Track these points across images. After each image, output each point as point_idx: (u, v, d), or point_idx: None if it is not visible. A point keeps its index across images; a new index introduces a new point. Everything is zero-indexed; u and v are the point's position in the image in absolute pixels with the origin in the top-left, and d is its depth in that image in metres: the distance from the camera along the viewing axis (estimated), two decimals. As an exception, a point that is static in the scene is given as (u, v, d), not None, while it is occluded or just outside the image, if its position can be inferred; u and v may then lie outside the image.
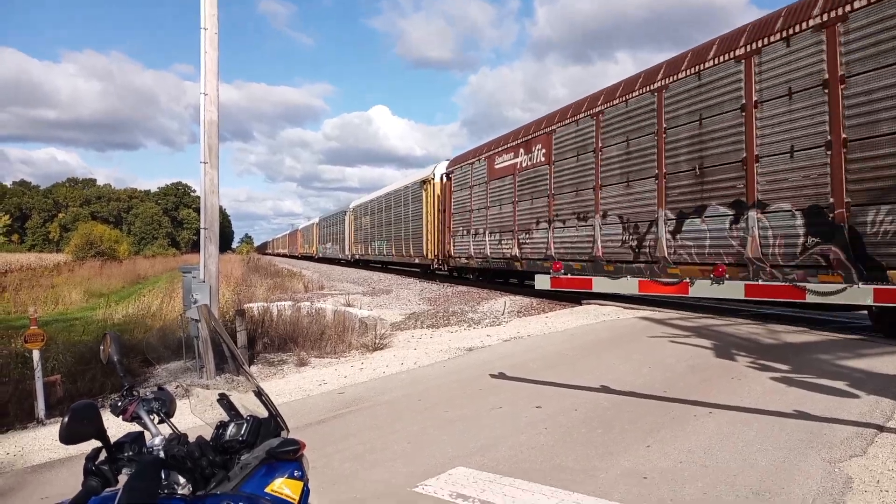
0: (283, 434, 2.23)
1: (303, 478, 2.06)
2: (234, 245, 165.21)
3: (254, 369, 9.16)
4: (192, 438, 2.07)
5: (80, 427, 1.72)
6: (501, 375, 7.60)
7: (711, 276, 5.03)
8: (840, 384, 6.44)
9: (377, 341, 10.76)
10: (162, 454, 1.86)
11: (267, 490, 1.94)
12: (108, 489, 1.73)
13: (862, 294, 4.27)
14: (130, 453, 1.83)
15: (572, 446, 4.99)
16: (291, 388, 7.60)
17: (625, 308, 13.40)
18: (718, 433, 5.13)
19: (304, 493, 2.05)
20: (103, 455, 1.81)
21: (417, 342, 10.97)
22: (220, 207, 9.90)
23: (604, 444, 4.99)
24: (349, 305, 16.57)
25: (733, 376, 7.02)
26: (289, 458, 2.01)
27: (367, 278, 31.64)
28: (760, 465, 4.40)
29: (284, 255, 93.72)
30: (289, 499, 1.98)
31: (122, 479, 1.73)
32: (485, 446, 5.07)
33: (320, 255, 62.10)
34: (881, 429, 5.02)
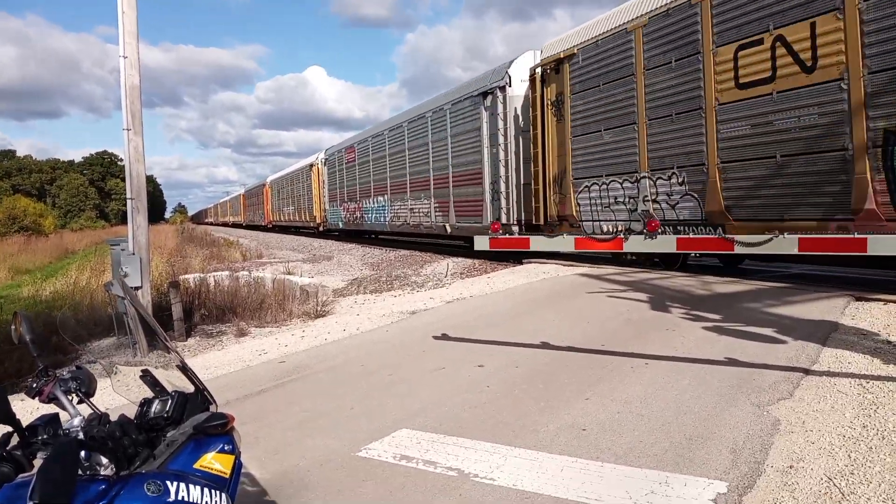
0: (212, 408, 2.15)
1: (234, 451, 2.00)
2: (168, 215, 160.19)
3: (191, 342, 8.94)
4: (116, 417, 1.98)
5: None
6: (444, 337, 7.63)
7: (645, 230, 5.12)
8: (769, 331, 6.72)
9: (319, 308, 10.64)
10: (81, 435, 1.77)
11: (196, 466, 1.87)
12: (21, 475, 1.64)
13: (788, 244, 4.42)
14: (45, 436, 1.73)
15: (514, 403, 5.06)
16: (231, 359, 7.45)
17: (564, 266, 13.61)
18: (654, 383, 5.28)
19: (236, 467, 2.00)
20: (15, 440, 1.71)
21: (360, 308, 10.90)
22: (151, 177, 9.52)
23: (544, 399, 5.07)
24: (289, 273, 16.31)
25: (668, 328, 7.24)
26: (217, 432, 1.95)
27: (308, 245, 31.22)
28: (693, 412, 4.56)
29: (238, 226, 74.24)
30: (220, 473, 1.92)
31: (38, 463, 1.63)
32: (428, 407, 5.08)
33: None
34: (807, 372, 5.26)
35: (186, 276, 14.54)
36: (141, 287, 8.63)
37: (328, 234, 35.78)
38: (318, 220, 36.08)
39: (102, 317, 9.54)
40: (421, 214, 20.82)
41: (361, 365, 6.65)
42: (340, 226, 31.52)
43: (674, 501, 3.30)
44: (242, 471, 2.22)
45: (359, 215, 27.99)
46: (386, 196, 24.28)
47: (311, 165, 37.18)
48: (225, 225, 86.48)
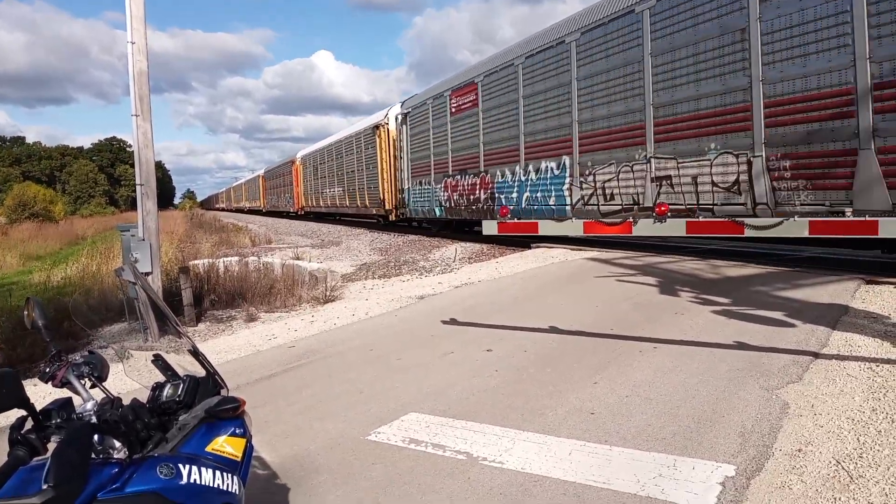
0: (223, 392, 2.18)
1: (245, 435, 2.03)
2: (177, 201, 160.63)
3: (202, 327, 9.00)
4: (129, 402, 2.00)
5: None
6: (453, 321, 7.65)
7: (654, 214, 5.10)
8: (778, 314, 6.70)
9: (328, 293, 10.68)
10: (94, 419, 1.79)
11: (208, 449, 1.90)
12: (36, 458, 1.66)
13: (798, 227, 4.39)
14: (58, 420, 1.76)
15: (522, 387, 5.07)
16: (241, 343, 7.50)
17: (573, 250, 13.59)
18: (662, 367, 5.28)
19: (248, 450, 2.02)
20: (29, 424, 1.73)
21: (369, 293, 10.93)
22: (160, 163, 9.56)
23: (553, 383, 5.08)
24: (298, 259, 16.36)
25: (677, 311, 7.23)
26: (229, 415, 1.97)
27: (316, 231, 31.27)
28: (702, 396, 4.56)
29: (256, 213, 65.57)
30: (231, 456, 1.94)
31: (52, 447, 1.65)
32: (437, 391, 5.11)
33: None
34: (816, 356, 5.25)
35: (196, 261, 14.61)
36: (151, 272, 8.67)
37: (408, 226, 24.90)
38: (387, 206, 24.50)
39: (113, 302, 9.61)
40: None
41: (370, 349, 6.68)
42: (438, 213, 19.94)
43: (682, 485, 3.32)
44: (253, 454, 2.24)
45: (485, 194, 16.74)
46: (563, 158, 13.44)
47: (377, 126, 25.25)
48: (239, 211, 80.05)
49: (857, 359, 5.11)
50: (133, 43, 8.74)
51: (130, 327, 8.62)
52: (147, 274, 8.66)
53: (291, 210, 45.75)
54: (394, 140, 23.72)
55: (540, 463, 3.67)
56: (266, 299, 10.44)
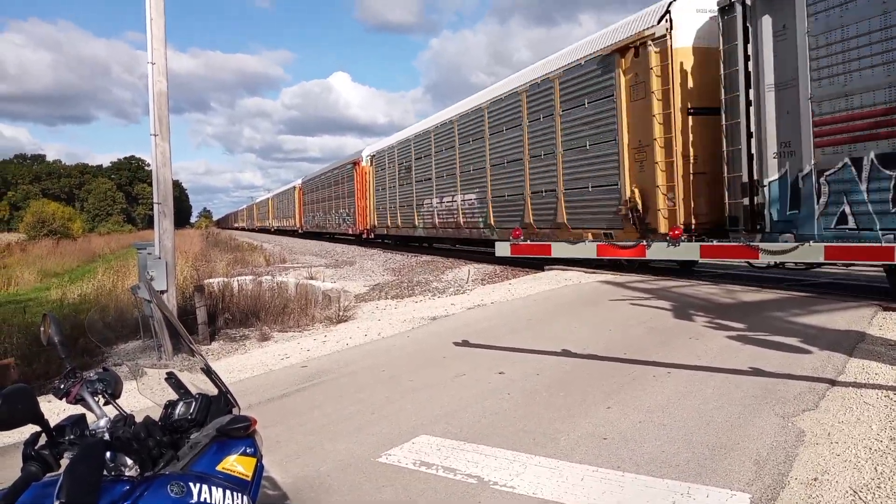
0: (235, 411, 2.18)
1: (255, 454, 2.03)
2: (193, 220, 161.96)
3: (215, 345, 9.04)
4: (141, 419, 2.01)
5: (15, 412, 1.64)
6: (465, 343, 7.63)
7: (668, 238, 5.09)
8: (793, 341, 6.63)
9: (341, 313, 10.70)
10: (107, 436, 1.81)
11: (218, 468, 1.90)
12: (49, 474, 1.67)
13: (814, 252, 4.36)
14: (72, 436, 1.77)
15: (535, 410, 5.04)
16: (254, 363, 7.52)
17: (587, 273, 13.54)
18: (676, 392, 5.23)
19: (258, 470, 2.02)
20: (43, 440, 1.74)
21: (382, 313, 10.95)
22: (177, 182, 9.69)
23: (565, 408, 5.05)
24: (312, 278, 16.42)
25: (691, 336, 7.17)
26: (240, 434, 1.98)
27: (330, 250, 31.41)
28: (716, 422, 4.51)
29: (286, 233, 58.81)
30: (242, 476, 1.94)
31: (65, 462, 1.67)
32: (448, 414, 5.09)
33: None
34: (833, 383, 5.19)
35: (211, 280, 14.71)
36: (166, 291, 8.74)
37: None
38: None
39: (129, 320, 9.68)
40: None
41: (382, 370, 6.67)
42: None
43: (695, 512, 3.27)
44: (264, 474, 2.24)
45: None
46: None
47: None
48: (264, 232, 71.47)
49: (874, 387, 5.04)
50: (153, 64, 8.89)
51: (145, 345, 8.67)
52: (162, 292, 8.73)
53: (350, 232, 33.39)
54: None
55: (552, 488, 3.64)
56: (280, 319, 10.48)
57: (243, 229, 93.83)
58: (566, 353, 6.77)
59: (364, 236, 31.63)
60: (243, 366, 7.39)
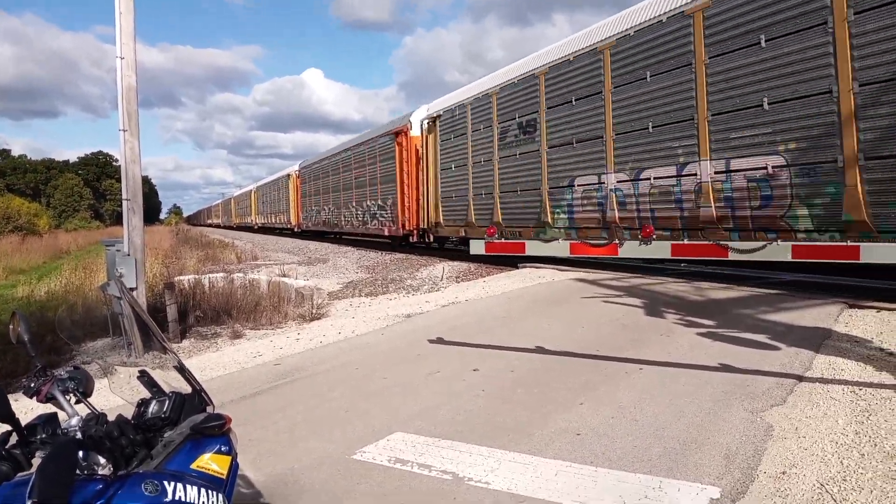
0: (209, 409, 2.16)
1: (230, 452, 2.01)
2: (163, 216, 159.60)
3: (186, 343, 8.93)
4: (113, 418, 1.98)
5: None
6: (440, 340, 7.64)
7: (640, 236, 5.15)
8: (762, 337, 6.75)
9: (314, 311, 10.63)
10: (79, 435, 1.78)
11: (193, 466, 1.88)
12: (20, 473, 1.64)
13: (781, 251, 4.45)
14: (44, 435, 1.74)
15: (509, 407, 5.07)
16: (226, 360, 7.44)
17: (560, 270, 13.64)
18: (648, 388, 5.30)
19: (233, 468, 2.00)
20: (14, 439, 1.71)
21: (356, 311, 10.90)
22: (146, 178, 9.54)
23: (539, 404, 5.08)
24: (284, 276, 16.29)
25: (662, 333, 7.26)
26: (214, 433, 1.96)
27: (303, 248, 31.17)
28: (687, 418, 4.58)
29: (273, 231, 51.75)
30: (216, 474, 1.92)
31: (36, 462, 1.64)
32: (423, 411, 5.09)
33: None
34: (800, 378, 5.29)
35: (181, 277, 14.52)
36: (136, 288, 8.61)
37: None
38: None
39: (97, 318, 9.51)
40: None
41: (356, 368, 6.65)
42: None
43: (667, 506, 3.32)
44: (237, 472, 2.22)
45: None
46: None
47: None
48: (245, 229, 62.81)
49: (840, 382, 5.15)
50: (122, 58, 8.74)
51: (114, 343, 8.53)
52: (132, 290, 8.59)
53: (387, 233, 23.43)
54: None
55: (526, 483, 3.66)
56: (252, 316, 10.38)
57: (218, 226, 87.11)
58: (540, 350, 6.82)
59: (412, 240, 21.74)
60: (215, 364, 7.31)
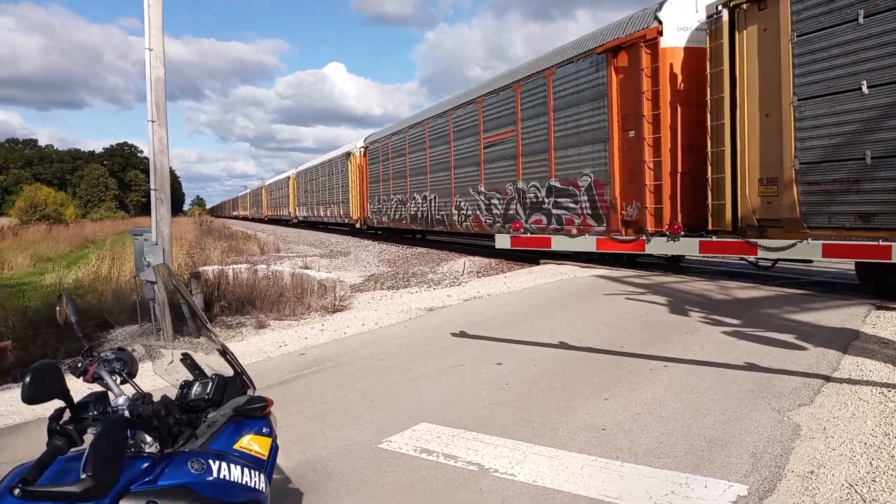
0: (250, 392, 2.21)
1: (271, 434, 2.06)
2: (186, 208, 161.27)
3: (212, 332, 9.05)
4: (156, 399, 2.04)
5: (42, 387, 1.67)
6: (462, 334, 7.67)
7: (667, 232, 5.13)
8: (789, 337, 6.69)
9: (337, 303, 10.72)
10: (127, 413, 1.83)
11: (236, 447, 1.93)
12: (73, 449, 1.70)
13: (812, 249, 4.41)
14: (95, 413, 1.80)
15: (533, 401, 5.09)
16: (251, 350, 7.54)
17: (582, 267, 13.60)
18: (673, 386, 5.29)
19: (273, 450, 2.05)
20: (67, 415, 1.77)
21: (378, 303, 10.97)
22: (171, 170, 9.65)
23: (563, 399, 5.10)
24: (307, 268, 16.44)
25: (687, 331, 7.23)
26: (256, 415, 2.01)
27: (325, 240, 31.38)
28: (713, 415, 4.56)
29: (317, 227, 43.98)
30: (258, 455, 1.97)
31: (88, 438, 1.69)
32: (447, 403, 5.13)
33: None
34: (828, 379, 5.25)
35: (206, 267, 14.70)
36: (164, 277, 8.74)
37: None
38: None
39: (125, 305, 9.68)
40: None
41: (380, 359, 6.70)
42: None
43: (694, 502, 3.32)
44: (277, 454, 2.27)
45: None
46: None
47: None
48: (279, 222, 55.87)
49: (868, 383, 5.10)
50: (151, 50, 8.85)
51: (142, 329, 8.68)
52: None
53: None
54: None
55: (552, 476, 3.68)
56: (275, 307, 10.49)
57: (246, 219, 79.14)
58: (563, 346, 6.82)
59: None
60: (241, 352, 7.37)
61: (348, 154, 32.11)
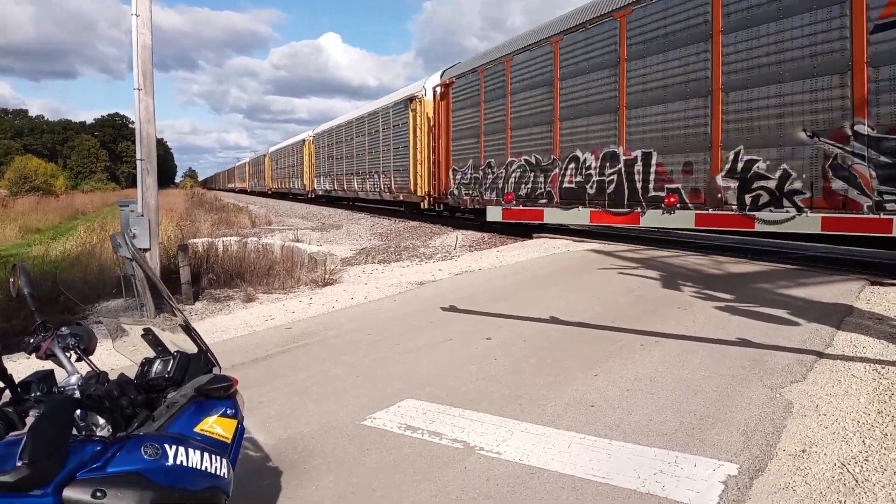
0: (215, 371, 2.08)
1: (236, 416, 1.94)
2: (178, 180, 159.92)
3: (199, 305, 8.92)
4: (127, 376, 1.91)
5: None
6: (452, 308, 7.57)
7: (663, 205, 5.01)
8: (781, 312, 6.61)
9: (327, 276, 10.59)
10: (77, 393, 1.70)
11: (196, 430, 1.81)
12: (13, 433, 1.57)
13: (811, 222, 4.30)
14: (38, 393, 1.67)
15: (521, 376, 5.00)
16: (238, 323, 7.42)
17: (575, 241, 13.49)
18: (664, 362, 5.20)
19: (238, 432, 1.93)
20: (7, 396, 1.64)
21: (368, 277, 10.85)
22: (162, 141, 9.47)
23: (552, 374, 5.01)
24: (298, 241, 16.26)
25: (679, 306, 7.14)
26: (220, 395, 1.88)
27: (317, 213, 31.15)
28: (704, 392, 4.48)
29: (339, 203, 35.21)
30: (221, 438, 1.85)
31: (31, 421, 1.57)
32: (434, 378, 5.03)
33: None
34: (820, 355, 5.17)
35: (195, 240, 14.51)
36: (149, 249, 8.59)
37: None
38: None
39: (110, 278, 9.52)
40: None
41: (368, 334, 6.60)
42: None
43: (683, 482, 3.24)
44: (246, 436, 2.16)
45: None
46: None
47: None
48: (287, 197, 47.43)
49: (862, 360, 5.03)
50: (137, 15, 8.61)
51: (127, 304, 8.54)
52: (145, 250, 8.57)
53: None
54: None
55: (538, 454, 3.60)
56: (265, 280, 10.35)
57: (244, 192, 69.07)
58: (554, 321, 6.73)
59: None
60: (227, 326, 7.29)
61: (410, 99, 21.33)
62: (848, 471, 3.30)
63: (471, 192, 16.86)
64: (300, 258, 12.11)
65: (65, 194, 58.27)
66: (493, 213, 5.94)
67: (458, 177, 17.85)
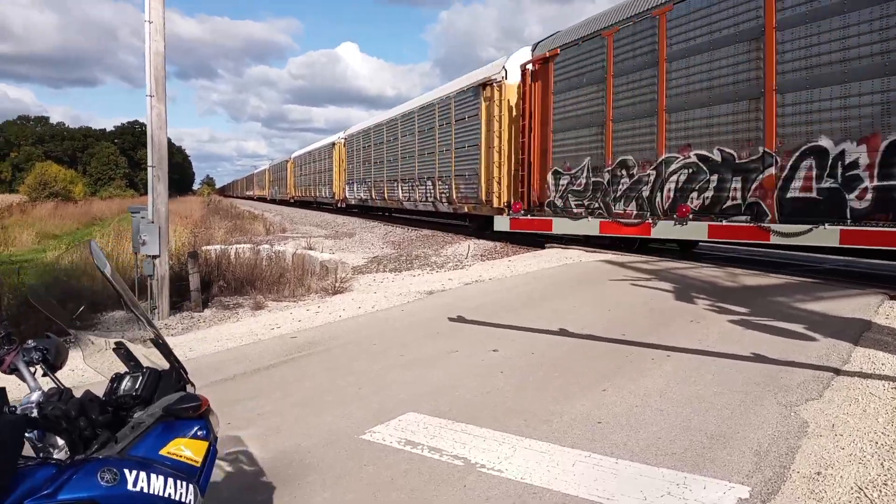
0: (189, 389, 1.98)
1: (207, 437, 1.82)
2: (196, 187, 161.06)
3: (207, 313, 8.88)
4: (94, 393, 1.82)
5: None
6: (460, 319, 7.45)
7: (675, 216, 4.87)
8: (798, 327, 6.43)
9: (337, 285, 10.52)
10: (34, 412, 1.60)
11: (163, 452, 1.69)
12: None
13: (829, 235, 4.14)
14: None
15: (528, 391, 4.87)
16: (243, 331, 7.35)
17: (588, 252, 13.32)
18: (675, 377, 5.05)
19: (210, 455, 1.82)
20: None
21: (378, 286, 10.76)
22: (181, 148, 9.48)
23: (560, 388, 4.88)
24: (310, 249, 16.22)
25: (692, 319, 6.98)
26: (189, 415, 1.76)
27: (331, 221, 31.14)
28: (716, 409, 4.33)
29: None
30: (189, 461, 1.74)
31: None
32: (438, 391, 4.92)
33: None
34: (837, 372, 5.00)
35: (209, 247, 14.51)
36: (159, 255, 8.58)
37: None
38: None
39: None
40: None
41: (373, 344, 6.50)
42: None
43: (691, 505, 3.10)
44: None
45: None
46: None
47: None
48: (306, 205, 44.95)
49: (881, 377, 4.85)
50: (151, 22, 8.65)
51: (128, 315, 8.52)
52: (154, 257, 8.57)
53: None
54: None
55: (541, 473, 3.47)
56: (275, 288, 10.31)
57: (262, 200, 67.18)
58: (563, 333, 6.59)
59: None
60: (231, 334, 7.23)
61: (483, 85, 16.62)
62: (865, 495, 3.14)
63: (585, 202, 12.11)
64: (311, 266, 12.06)
65: (83, 200, 58.87)
66: (501, 223, 5.78)
67: (564, 182, 13.01)
